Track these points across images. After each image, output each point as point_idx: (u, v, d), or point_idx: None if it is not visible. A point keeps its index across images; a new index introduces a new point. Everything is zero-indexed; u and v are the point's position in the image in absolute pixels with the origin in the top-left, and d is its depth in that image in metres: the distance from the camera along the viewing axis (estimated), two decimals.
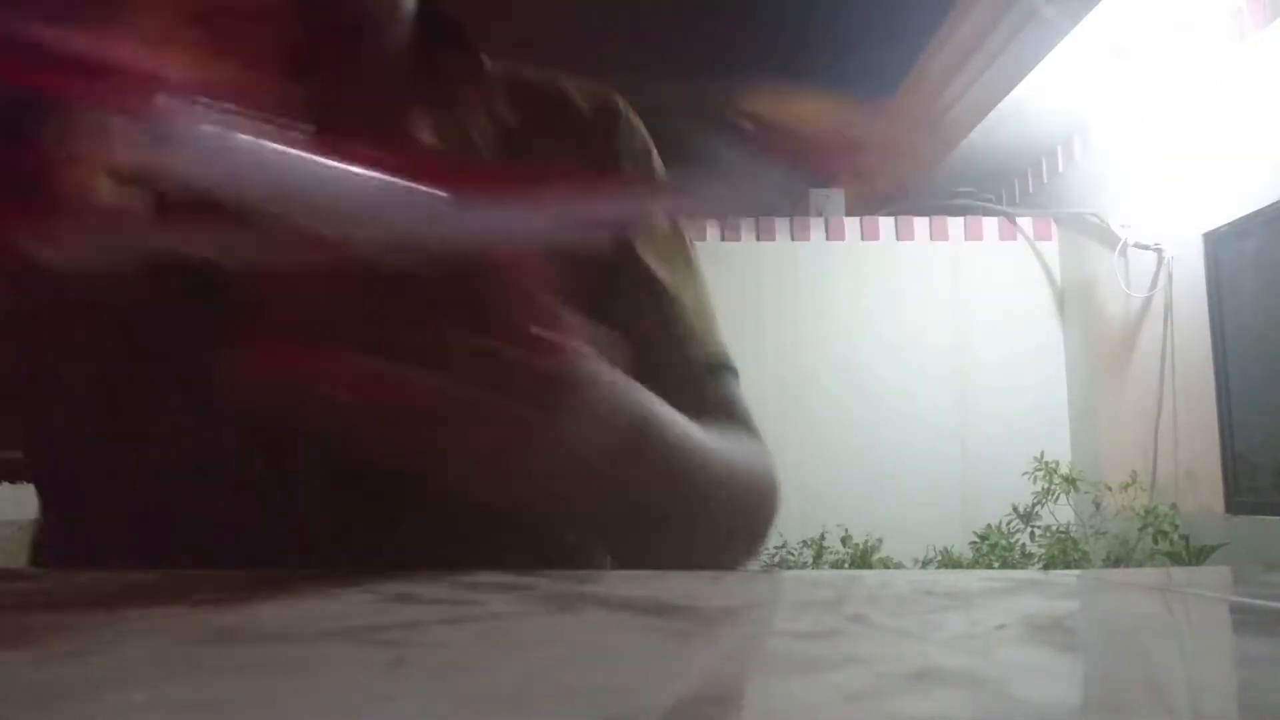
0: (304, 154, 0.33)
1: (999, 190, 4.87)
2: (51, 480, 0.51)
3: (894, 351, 4.38)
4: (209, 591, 0.33)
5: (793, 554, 3.84)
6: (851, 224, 4.54)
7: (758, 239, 4.45)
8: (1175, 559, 3.13)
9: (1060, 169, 4.49)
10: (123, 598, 0.32)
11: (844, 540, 3.81)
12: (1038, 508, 3.65)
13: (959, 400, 4.37)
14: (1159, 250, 3.73)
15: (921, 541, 3.85)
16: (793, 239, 4.49)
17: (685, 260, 0.59)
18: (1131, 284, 3.87)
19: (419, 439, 0.35)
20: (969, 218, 4.56)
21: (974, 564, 3.62)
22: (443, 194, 0.33)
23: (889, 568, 3.51)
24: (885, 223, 4.56)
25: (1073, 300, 4.42)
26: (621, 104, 0.60)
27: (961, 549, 3.79)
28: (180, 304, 0.43)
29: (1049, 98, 4.05)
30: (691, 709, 0.19)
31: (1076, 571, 2.59)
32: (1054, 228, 4.51)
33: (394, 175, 0.33)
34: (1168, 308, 3.69)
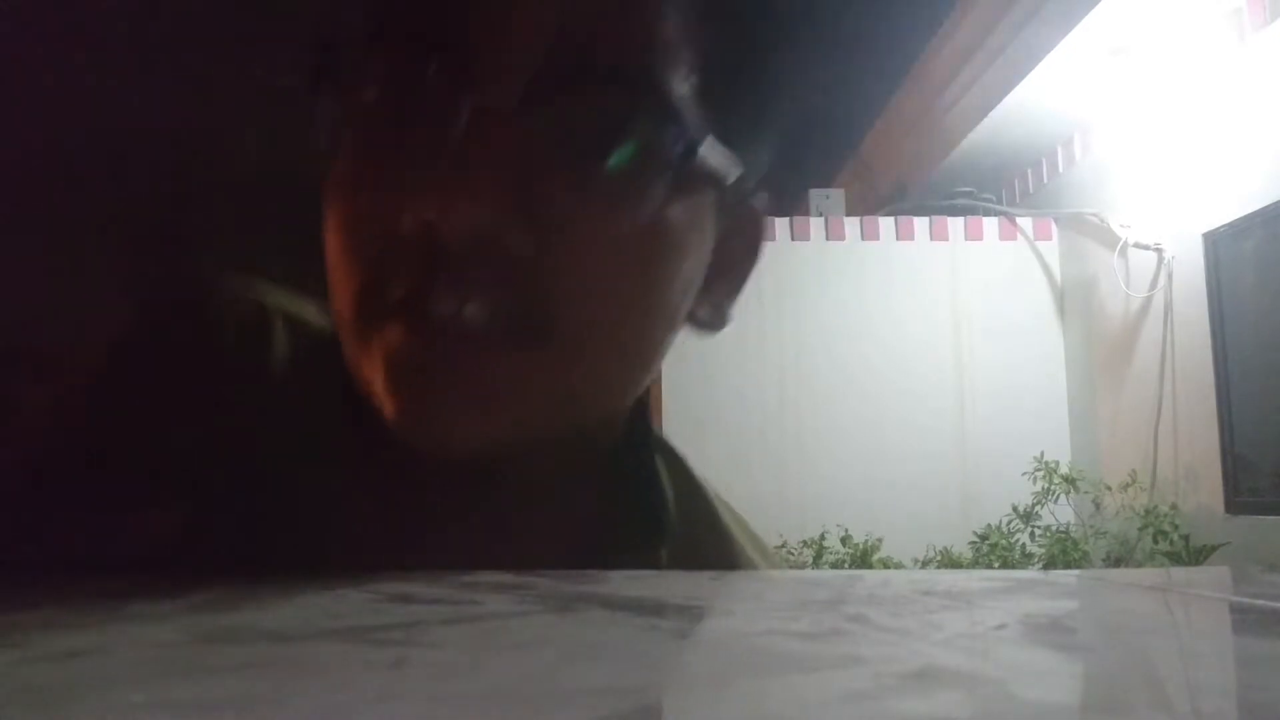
0: None
1: (999, 190, 4.87)
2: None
3: (894, 351, 4.38)
4: (209, 592, 0.33)
5: (793, 554, 3.84)
6: (851, 224, 4.54)
7: None
8: (1175, 559, 3.13)
9: (1060, 169, 4.49)
10: (122, 598, 0.32)
11: (844, 540, 3.81)
12: (1038, 508, 3.65)
13: (959, 400, 4.37)
14: (1159, 250, 3.73)
15: (921, 541, 3.85)
16: (793, 239, 4.49)
17: None
18: (1131, 284, 3.87)
19: None
20: (969, 218, 4.56)
21: (974, 564, 3.62)
22: None
23: (889, 568, 3.51)
24: (885, 223, 4.56)
25: (1073, 300, 4.42)
26: None
27: (961, 549, 3.79)
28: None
29: (1049, 98, 4.05)
30: (691, 709, 0.19)
31: (1076, 571, 2.59)
32: (1054, 228, 4.51)
33: None
34: (1168, 308, 3.69)
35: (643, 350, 0.41)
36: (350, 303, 0.37)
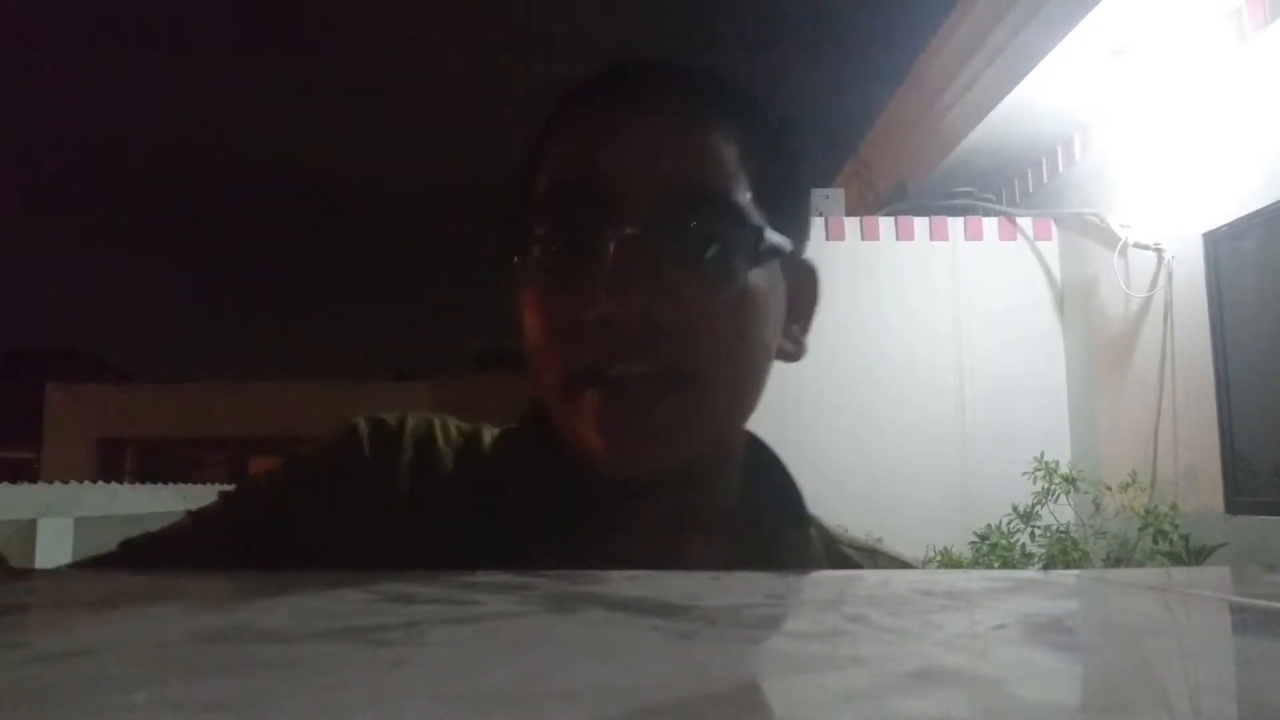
0: None
1: (999, 190, 4.87)
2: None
3: (894, 351, 4.38)
4: (209, 592, 0.33)
5: None
6: (851, 224, 4.54)
7: None
8: (1175, 559, 3.13)
9: (1060, 169, 4.49)
10: (122, 598, 0.32)
11: None
12: (1038, 508, 3.64)
13: (959, 400, 4.37)
14: (1159, 250, 3.73)
15: (921, 541, 3.85)
16: None
17: None
18: (1131, 284, 3.87)
19: None
20: (969, 218, 4.56)
21: (974, 564, 3.62)
22: None
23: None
24: (885, 223, 4.56)
25: (1073, 300, 4.42)
26: None
27: (961, 549, 3.79)
28: None
29: (1049, 98, 4.05)
30: (692, 709, 0.19)
31: (1076, 571, 2.59)
32: (1054, 228, 4.51)
33: None
34: (1168, 308, 3.69)
35: (755, 379, 0.57)
36: (559, 378, 0.53)
